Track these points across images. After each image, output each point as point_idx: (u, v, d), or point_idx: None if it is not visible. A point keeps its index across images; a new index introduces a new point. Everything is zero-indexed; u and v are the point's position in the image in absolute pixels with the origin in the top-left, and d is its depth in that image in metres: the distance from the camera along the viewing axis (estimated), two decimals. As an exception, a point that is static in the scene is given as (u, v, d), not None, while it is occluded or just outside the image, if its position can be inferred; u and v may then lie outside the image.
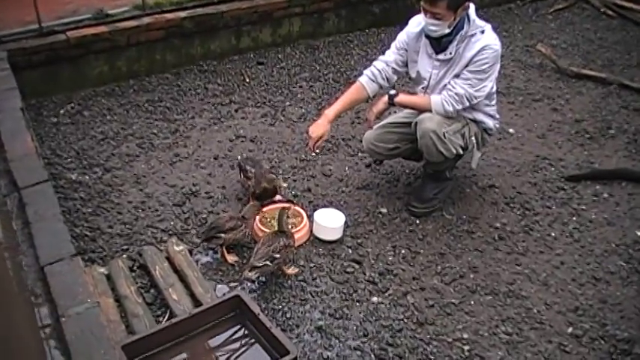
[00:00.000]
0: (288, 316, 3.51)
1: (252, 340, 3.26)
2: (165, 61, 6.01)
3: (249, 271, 3.52)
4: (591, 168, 4.84)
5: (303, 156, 4.90)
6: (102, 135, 5.05)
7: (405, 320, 3.52)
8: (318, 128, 4.03)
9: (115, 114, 5.35)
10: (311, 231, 4.09)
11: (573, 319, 3.57)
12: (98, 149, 4.87)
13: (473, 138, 4.08)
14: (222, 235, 3.77)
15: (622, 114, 5.58)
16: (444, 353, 3.33)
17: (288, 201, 4.34)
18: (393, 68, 4.12)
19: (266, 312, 3.47)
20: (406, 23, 4.15)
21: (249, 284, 3.70)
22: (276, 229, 3.80)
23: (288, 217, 3.83)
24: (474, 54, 3.79)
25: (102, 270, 3.69)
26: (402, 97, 4.04)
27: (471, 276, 3.84)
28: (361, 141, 4.61)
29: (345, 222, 4.10)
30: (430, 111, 3.94)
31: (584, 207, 4.45)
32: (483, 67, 3.80)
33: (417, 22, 4.03)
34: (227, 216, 3.88)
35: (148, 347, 3.12)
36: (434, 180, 4.28)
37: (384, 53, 4.24)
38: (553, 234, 4.20)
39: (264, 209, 4.11)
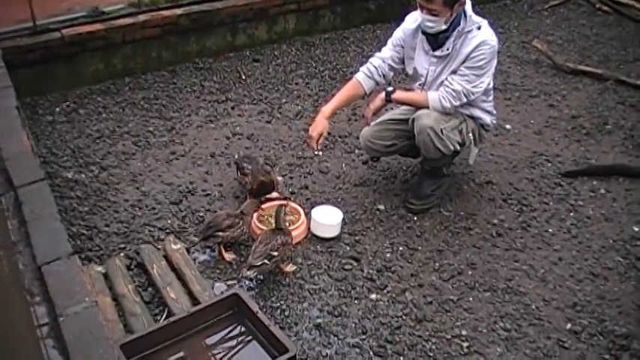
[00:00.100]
0: (286, 313, 3.50)
1: (251, 338, 3.25)
2: (161, 59, 5.99)
3: (248, 270, 3.51)
4: (588, 164, 4.84)
5: (300, 153, 4.89)
6: (98, 133, 5.03)
7: (404, 317, 3.51)
8: (317, 126, 4.02)
9: (110, 112, 5.33)
10: (308, 228, 4.08)
11: (572, 315, 3.57)
12: (94, 147, 4.85)
13: (470, 134, 4.07)
14: (220, 233, 3.76)
15: (618, 110, 5.58)
16: (443, 350, 3.33)
17: (285, 198, 4.33)
18: (389, 65, 4.11)
19: (264, 310, 3.46)
20: (402, 20, 4.14)
21: (247, 282, 3.69)
22: (273, 226, 3.79)
23: (285, 213, 3.82)
24: (471, 50, 3.78)
25: (99, 269, 3.68)
26: (399, 94, 4.03)
27: (469, 272, 3.84)
28: (358, 138, 4.60)
29: (343, 219, 4.09)
30: (427, 107, 3.93)
31: (581, 203, 4.45)
32: (480, 63, 3.80)
33: (414, 19, 4.01)
34: (224, 214, 3.86)
35: (146, 346, 3.11)
36: (431, 176, 4.27)
37: (380, 50, 4.23)
38: (551, 230, 4.19)
39: (262, 206, 4.09)
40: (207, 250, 3.92)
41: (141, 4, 5.85)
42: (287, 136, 5.11)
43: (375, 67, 4.10)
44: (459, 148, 4.07)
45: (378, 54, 4.17)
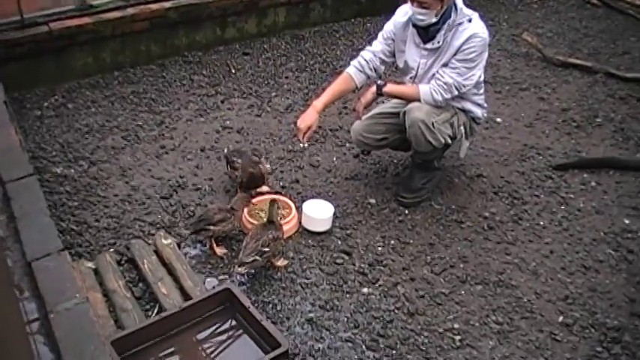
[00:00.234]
0: (278, 308, 3.49)
1: (243, 333, 3.24)
2: (150, 53, 5.95)
3: (239, 266, 3.50)
4: (579, 157, 4.85)
5: (291, 147, 4.87)
6: (87, 128, 4.99)
7: (396, 311, 3.51)
8: (307, 119, 4.00)
9: (99, 106, 5.29)
10: (300, 222, 4.06)
11: (563, 307, 3.58)
12: (83, 142, 4.82)
13: (462, 127, 4.07)
14: (211, 227, 3.74)
15: (608, 102, 5.59)
16: (435, 343, 3.33)
17: (276, 192, 4.32)
18: (380, 58, 4.10)
19: (256, 304, 3.45)
20: (392, 13, 4.13)
21: (238, 277, 3.67)
22: (264, 221, 3.77)
23: (278, 207, 3.80)
24: (462, 42, 3.78)
25: (89, 264, 3.65)
26: (390, 87, 4.02)
27: (461, 266, 3.84)
28: (349, 131, 4.59)
29: (334, 213, 4.08)
30: (419, 101, 3.92)
31: (572, 196, 4.46)
32: (471, 56, 3.79)
33: (404, 12, 4.00)
34: (215, 208, 3.84)
35: (137, 342, 3.10)
36: (422, 170, 4.26)
37: (370, 43, 4.22)
38: (542, 223, 4.20)
39: (253, 200, 4.07)
40: (198, 245, 3.91)
41: (129, -3, 5.82)
42: (277, 130, 5.09)
43: (366, 60, 4.09)
44: (450, 141, 4.06)
45: (368, 47, 4.16)
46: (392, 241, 3.99)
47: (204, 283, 3.61)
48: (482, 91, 4.13)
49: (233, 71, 5.95)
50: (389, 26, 4.08)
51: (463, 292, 3.65)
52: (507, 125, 5.26)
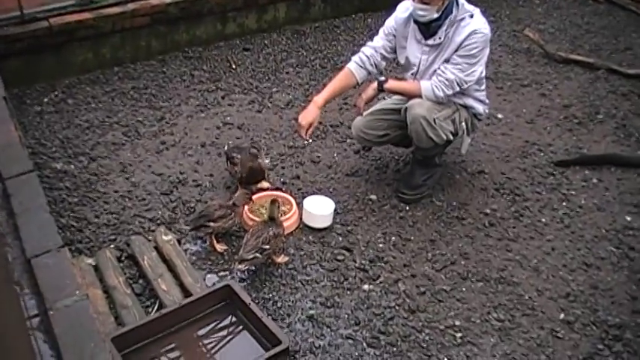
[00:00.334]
0: (278, 305, 3.48)
1: (243, 330, 3.24)
2: (151, 48, 5.93)
3: (239, 263, 3.49)
4: (580, 153, 4.83)
5: (291, 143, 4.85)
6: (87, 123, 4.98)
7: (397, 308, 3.50)
8: (308, 115, 3.98)
9: (99, 102, 5.28)
10: (300, 219, 4.05)
11: (565, 305, 3.57)
12: (83, 138, 4.80)
13: (463, 124, 4.05)
14: (212, 223, 3.73)
15: (610, 99, 5.57)
16: (437, 340, 3.32)
17: (277, 188, 4.31)
18: (381, 54, 4.08)
19: (257, 301, 3.44)
20: (392, 8, 4.11)
21: (238, 273, 3.66)
22: (265, 217, 3.76)
23: (279, 206, 3.79)
24: (464, 38, 3.76)
25: (89, 261, 3.64)
26: (391, 84, 4.00)
27: (462, 262, 3.82)
28: (349, 127, 4.58)
29: (335, 209, 4.06)
30: (420, 97, 3.90)
31: (573, 192, 4.44)
32: (473, 52, 3.77)
33: (405, 8, 3.99)
34: (216, 204, 3.82)
35: (137, 339, 3.10)
36: (423, 166, 4.25)
37: (371, 39, 4.20)
38: (543, 220, 4.19)
39: (254, 197, 4.06)
40: (199, 241, 3.89)
41: (129, -8, 5.80)
42: (278, 126, 5.08)
43: (367, 56, 4.07)
44: (451, 137, 4.05)
45: (369, 43, 4.14)
46: (393, 238, 3.98)
47: (204, 279, 3.60)
48: (483, 87, 4.11)
49: (234, 67, 5.93)
50: (390, 22, 4.06)
51: (464, 289, 3.64)
52: (509, 121, 5.24)
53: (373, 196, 4.32)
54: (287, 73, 5.88)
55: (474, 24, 3.75)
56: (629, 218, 4.21)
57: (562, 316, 3.50)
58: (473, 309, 3.51)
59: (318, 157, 4.71)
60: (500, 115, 5.30)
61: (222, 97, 5.44)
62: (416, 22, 3.89)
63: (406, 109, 3.95)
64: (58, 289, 2.77)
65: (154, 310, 3.38)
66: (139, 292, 3.52)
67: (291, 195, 4.20)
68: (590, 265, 3.84)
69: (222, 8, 6.16)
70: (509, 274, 3.76)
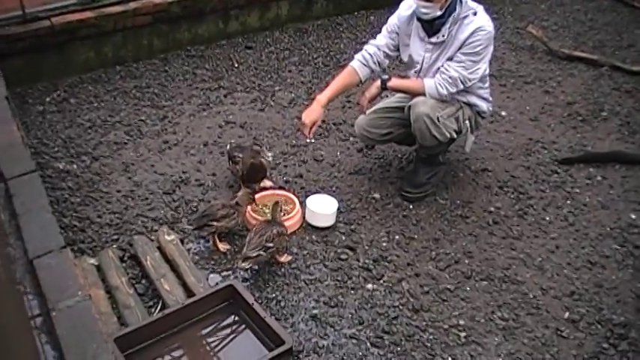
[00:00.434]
0: (282, 304, 3.47)
1: (247, 330, 3.22)
2: (153, 47, 5.92)
3: (243, 261, 3.47)
4: (584, 151, 4.81)
5: (294, 141, 4.84)
6: (89, 123, 4.96)
7: (401, 307, 3.48)
8: (311, 114, 3.97)
9: (102, 101, 5.27)
10: (303, 218, 4.03)
11: (569, 303, 3.55)
12: (86, 137, 4.79)
13: (467, 122, 4.03)
14: (215, 223, 3.71)
15: (614, 96, 5.54)
16: (441, 340, 3.30)
17: (280, 187, 4.29)
18: (384, 52, 4.06)
19: (260, 301, 3.43)
20: (395, 5, 4.09)
21: (241, 273, 3.65)
22: (268, 217, 3.75)
23: (281, 209, 3.78)
24: (467, 36, 3.74)
25: (92, 261, 3.63)
26: (394, 82, 3.99)
27: (466, 261, 3.81)
28: (352, 125, 4.57)
29: (338, 208, 4.05)
30: (424, 95, 3.89)
31: (577, 190, 4.42)
32: (477, 49, 3.75)
33: (408, 5, 3.97)
34: (219, 204, 3.81)
35: (140, 339, 3.09)
36: (427, 164, 4.23)
37: (374, 36, 4.18)
38: (547, 218, 4.17)
39: (257, 196, 4.04)
40: (202, 241, 3.88)
41: (131, -9, 5.78)
42: (280, 124, 5.06)
43: (370, 54, 4.05)
44: (455, 135, 4.03)
45: (372, 41, 4.12)
46: (396, 237, 3.96)
47: (207, 279, 3.59)
48: (487, 84, 4.09)
49: (236, 65, 5.91)
50: (393, 20, 4.04)
51: (468, 288, 3.62)
52: (512, 119, 5.22)
53: (376, 195, 4.30)
54: (289, 71, 5.86)
55: (478, 21, 3.73)
56: (633, 216, 4.19)
57: (567, 314, 3.48)
58: (477, 308, 3.50)
59: (321, 155, 4.69)
60: (503, 113, 5.28)
61: (225, 96, 5.43)
62: (419, 19, 3.87)
63: (410, 107, 3.93)
64: (60, 289, 2.76)
65: (156, 310, 3.37)
66: (142, 292, 3.51)
67: (293, 194, 4.19)
68: (594, 264, 3.82)
69: (225, 6, 6.14)
70: (514, 272, 3.74)
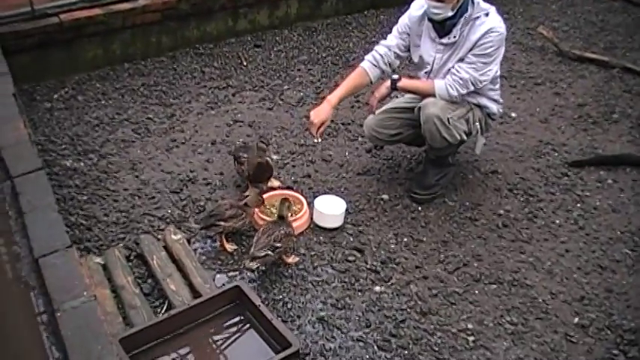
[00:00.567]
0: (289, 306, 3.43)
1: (253, 332, 3.19)
2: (161, 44, 5.90)
3: (250, 261, 3.44)
4: (595, 153, 4.77)
5: (302, 141, 4.81)
6: (97, 120, 4.95)
7: (409, 310, 3.45)
8: (321, 113, 3.94)
9: (109, 98, 5.25)
10: (311, 218, 4.01)
11: (579, 308, 3.51)
12: (93, 135, 4.77)
13: (477, 123, 4.00)
14: (222, 223, 3.69)
15: (625, 98, 5.50)
16: (449, 344, 3.27)
17: (288, 187, 4.27)
18: (395, 53, 4.03)
19: (266, 302, 3.40)
20: (404, 4, 4.07)
21: (248, 274, 3.62)
22: (275, 217, 3.72)
23: (289, 206, 3.75)
24: (479, 37, 3.70)
25: (98, 260, 3.61)
26: (404, 82, 3.95)
27: (475, 264, 3.77)
28: (361, 125, 4.54)
29: (346, 209, 4.02)
30: (434, 96, 3.85)
31: (588, 193, 4.38)
32: (488, 51, 3.71)
33: (420, 5, 3.93)
34: (227, 203, 3.78)
35: (146, 340, 3.06)
36: (436, 166, 4.20)
37: (383, 36, 4.15)
38: (557, 221, 4.13)
39: (264, 196, 4.01)
40: (208, 241, 3.86)
41: (140, -12, 5.76)
42: (289, 124, 5.04)
43: (380, 55, 4.02)
44: (465, 137, 4.00)
45: (383, 42, 4.09)
46: (405, 239, 3.93)
47: (213, 279, 3.57)
48: (498, 86, 4.06)
49: (244, 64, 5.89)
50: (404, 20, 4.01)
51: (477, 292, 3.59)
52: (522, 120, 5.18)
53: (385, 196, 4.27)
54: (298, 70, 5.84)
55: (490, 22, 3.69)
56: (644, 220, 4.15)
57: (576, 319, 3.44)
58: (486, 312, 3.46)
59: (330, 155, 4.66)
60: (513, 114, 5.25)
61: (233, 95, 5.41)
62: (430, 20, 3.84)
63: (419, 108, 3.90)
64: (65, 289, 2.74)
65: (162, 311, 3.34)
66: (148, 291, 3.48)
67: (301, 194, 4.16)
68: (604, 268, 3.78)
69: (234, 4, 6.12)
70: (523, 276, 3.70)
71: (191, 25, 6.00)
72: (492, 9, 3.76)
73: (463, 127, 3.91)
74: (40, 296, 2.79)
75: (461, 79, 3.76)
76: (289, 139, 4.84)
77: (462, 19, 3.74)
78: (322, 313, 3.40)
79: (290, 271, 3.66)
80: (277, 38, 6.36)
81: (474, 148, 4.24)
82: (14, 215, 3.24)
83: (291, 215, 3.83)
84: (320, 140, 4.34)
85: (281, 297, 3.49)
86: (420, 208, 4.17)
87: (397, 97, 4.44)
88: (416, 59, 4.04)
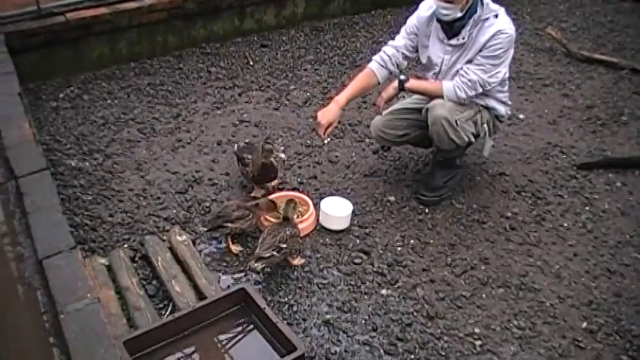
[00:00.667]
0: (294, 309, 3.41)
1: (258, 335, 3.16)
2: (167, 44, 5.88)
3: (255, 262, 3.41)
4: (604, 156, 4.73)
5: (309, 142, 4.78)
6: (102, 120, 4.93)
7: (415, 314, 3.42)
8: (328, 114, 3.91)
9: (115, 98, 5.23)
10: (317, 220, 3.98)
11: (587, 313, 3.47)
12: (98, 134, 4.75)
13: (485, 125, 3.96)
14: (229, 224, 3.67)
15: (634, 100, 5.46)
16: (455, 349, 3.23)
17: (294, 189, 4.24)
18: (403, 54, 4.00)
19: (272, 305, 3.38)
20: (412, 4, 4.05)
21: (253, 275, 3.59)
22: (281, 218, 3.70)
23: (294, 207, 3.72)
24: (488, 39, 3.67)
25: (102, 261, 3.58)
26: (412, 83, 3.92)
27: (482, 267, 3.74)
28: (368, 126, 4.51)
29: (353, 211, 3.98)
30: (441, 97, 3.82)
31: (596, 196, 4.34)
32: (497, 53, 3.68)
33: (428, 6, 3.90)
34: (234, 205, 3.76)
35: (150, 342, 3.03)
36: (444, 167, 4.17)
37: (390, 35, 4.13)
38: (565, 224, 4.09)
39: (270, 197, 3.98)
40: (214, 242, 3.83)
41: (147, -13, 5.74)
42: (295, 124, 5.01)
43: (388, 56, 3.99)
44: (473, 139, 3.97)
45: (391, 42, 4.06)
46: (411, 241, 3.90)
47: (218, 281, 3.54)
48: (506, 88, 4.02)
49: (251, 63, 5.87)
50: (412, 21, 3.98)
51: (484, 295, 3.55)
52: (530, 122, 5.15)
53: (392, 198, 4.24)
54: (305, 70, 5.81)
55: (499, 24, 3.66)
56: (654, 224, 4.11)
57: (584, 324, 3.40)
58: (493, 316, 3.43)
59: (336, 156, 4.63)
60: (521, 116, 5.21)
61: (239, 94, 5.38)
62: (439, 20, 3.80)
63: (427, 109, 3.87)
64: (69, 291, 2.72)
65: (167, 313, 3.32)
66: (153, 293, 3.45)
67: (308, 195, 4.13)
68: (613, 272, 3.74)
69: (240, 3, 6.10)
70: (531, 280, 3.66)
71: (197, 25, 5.98)
72: (502, 10, 3.73)
73: (471, 129, 3.88)
74: (44, 297, 2.77)
75: (469, 80, 3.73)
76: (295, 139, 4.82)
77: (471, 21, 3.70)
78: (328, 316, 3.37)
79: (296, 273, 3.63)
80: (284, 38, 6.34)
81: (481, 150, 4.21)
82: (18, 215, 3.22)
83: (297, 217, 3.81)
84: (327, 141, 4.31)
85: (286, 299, 3.46)
86: (427, 211, 4.14)
87: (404, 97, 4.41)
88: (424, 60, 4.01)
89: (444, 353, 3.20)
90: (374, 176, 4.45)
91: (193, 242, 3.76)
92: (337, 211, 3.94)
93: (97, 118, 4.93)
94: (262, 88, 5.50)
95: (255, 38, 6.29)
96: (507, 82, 4.01)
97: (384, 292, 3.54)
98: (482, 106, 3.93)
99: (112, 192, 4.18)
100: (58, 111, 4.99)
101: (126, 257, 3.60)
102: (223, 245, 3.78)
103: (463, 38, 3.74)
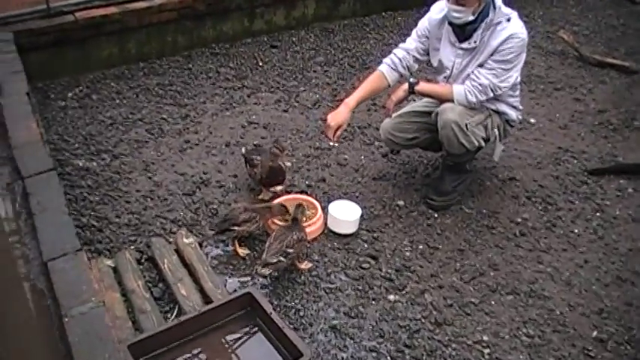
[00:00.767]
0: (301, 314, 3.37)
1: (264, 340, 3.13)
2: (177, 44, 5.86)
3: (262, 267, 3.38)
4: (615, 161, 4.69)
5: (318, 144, 4.75)
6: (110, 120, 4.90)
7: (423, 320, 3.38)
8: (338, 117, 3.87)
9: (124, 98, 5.21)
10: (325, 224, 3.94)
11: (598, 321, 3.43)
12: (106, 134, 4.73)
13: (495, 130, 3.93)
14: (236, 227, 3.64)
15: (647, 105, 5.41)
16: (463, 356, 3.20)
17: (302, 192, 4.21)
18: (414, 56, 3.97)
19: (278, 309, 3.35)
20: (423, 7, 4.01)
21: (260, 279, 3.56)
22: (289, 222, 3.67)
23: (302, 211, 3.69)
24: (500, 43, 3.63)
25: (108, 262, 3.55)
26: (422, 86, 3.88)
27: (492, 274, 3.70)
28: (377, 129, 4.48)
29: (361, 215, 3.95)
30: (452, 101, 3.78)
31: (608, 202, 4.30)
32: (509, 57, 3.64)
33: (440, 9, 3.86)
34: (241, 207, 3.73)
35: (155, 346, 3.00)
36: (453, 172, 4.13)
37: (401, 37, 4.09)
38: (576, 230, 4.05)
39: (278, 200, 3.95)
40: (220, 245, 3.80)
41: (157, -13, 5.72)
42: (304, 126, 4.98)
43: (399, 58, 3.96)
44: (483, 143, 3.92)
45: (402, 45, 4.02)
46: (420, 246, 3.86)
47: (225, 284, 3.51)
48: (517, 92, 3.98)
49: (260, 64, 5.84)
50: (423, 23, 3.94)
51: (493, 302, 3.51)
52: (541, 126, 5.10)
53: (401, 202, 4.20)
54: (314, 71, 5.78)
55: (511, 28, 3.62)
56: (666, 231, 4.06)
57: (595, 333, 3.36)
58: (502, 323, 3.39)
59: (345, 159, 4.60)
60: (532, 120, 5.17)
61: (248, 96, 5.35)
62: (450, 23, 3.77)
63: (437, 113, 3.83)
64: (73, 295, 2.70)
65: (172, 316, 3.29)
66: (158, 296, 3.42)
67: (316, 199, 4.09)
68: (624, 280, 3.70)
69: (250, 4, 6.07)
70: (540, 287, 3.62)
71: (207, 25, 5.96)
72: (514, 14, 3.69)
73: (481, 133, 3.84)
74: (49, 300, 2.74)
75: (480, 85, 3.69)
76: (304, 141, 4.78)
77: (483, 24, 3.66)
78: (335, 322, 3.33)
79: (303, 277, 3.60)
80: (294, 39, 6.30)
81: (491, 154, 4.16)
82: (24, 216, 3.20)
83: (305, 220, 3.78)
84: (336, 144, 4.28)
85: (293, 304, 3.43)
86: (436, 215, 4.11)
87: (414, 100, 4.37)
88: (435, 63, 3.97)
89: (451, 361, 3.17)
90: (383, 180, 4.41)
91: (200, 245, 3.73)
92: (345, 214, 3.91)
93: (105, 118, 4.91)
94: (271, 90, 5.47)
95: (265, 39, 6.26)
96: (519, 86, 3.96)
97: (391, 297, 3.51)
98: (492, 110, 3.89)
99: (119, 193, 4.16)
100: (66, 110, 4.97)
101: (132, 259, 3.57)
102: (230, 248, 3.76)
103: (475, 42, 3.70)
